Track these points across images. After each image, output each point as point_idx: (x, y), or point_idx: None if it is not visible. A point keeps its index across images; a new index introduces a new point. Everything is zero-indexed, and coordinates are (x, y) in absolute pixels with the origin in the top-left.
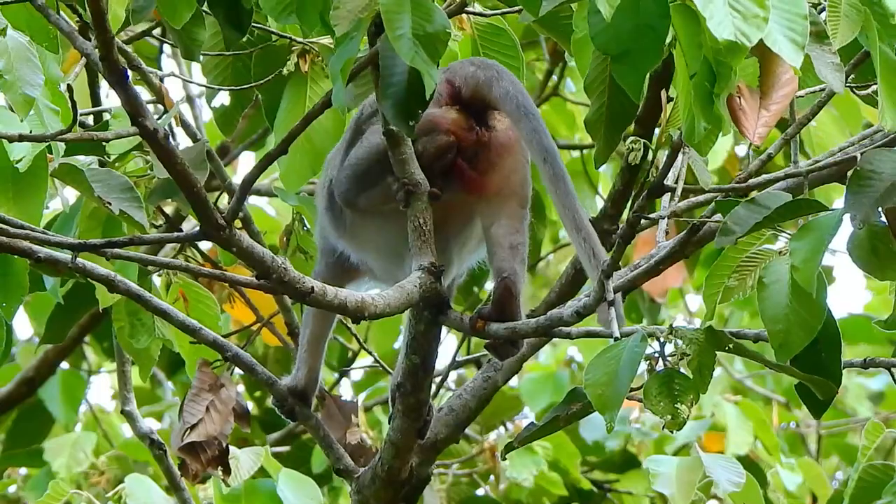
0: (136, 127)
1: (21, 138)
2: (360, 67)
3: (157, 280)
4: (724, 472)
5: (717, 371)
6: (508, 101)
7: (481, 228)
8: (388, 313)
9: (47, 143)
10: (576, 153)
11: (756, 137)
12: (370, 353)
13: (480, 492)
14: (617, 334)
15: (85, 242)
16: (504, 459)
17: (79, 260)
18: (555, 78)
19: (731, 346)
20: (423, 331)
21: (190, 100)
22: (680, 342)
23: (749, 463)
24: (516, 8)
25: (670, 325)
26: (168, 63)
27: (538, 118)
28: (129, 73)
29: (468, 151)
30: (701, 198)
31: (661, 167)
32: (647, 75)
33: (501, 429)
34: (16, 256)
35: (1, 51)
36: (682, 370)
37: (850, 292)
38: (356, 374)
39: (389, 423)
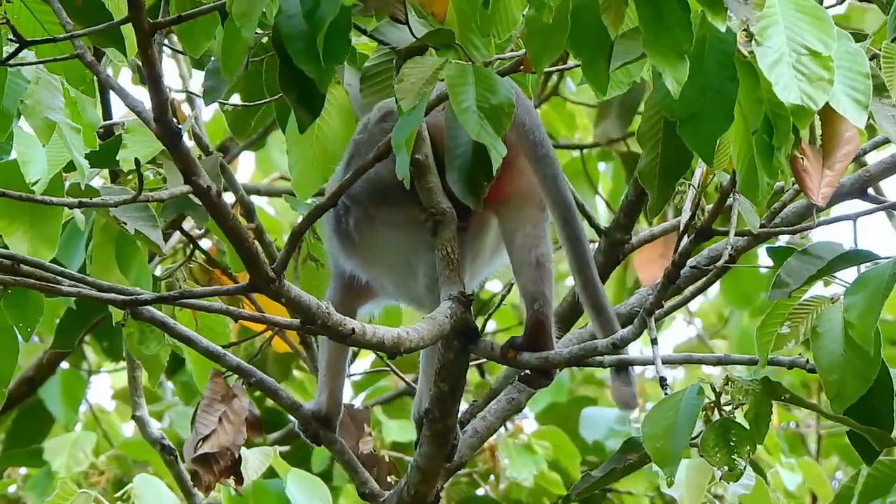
0: (189, 185)
1: (81, 205)
2: None
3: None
4: None
5: (717, 370)
6: (524, 134)
7: (498, 237)
8: (422, 346)
9: (65, 164)
10: (576, 153)
11: (820, 199)
12: (382, 359)
13: (480, 492)
14: (663, 373)
15: (136, 298)
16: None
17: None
18: (555, 78)
19: (787, 396)
20: (452, 359)
21: (190, 100)
22: (736, 392)
23: (749, 463)
24: (572, 64)
25: (726, 376)
26: (168, 63)
27: (556, 162)
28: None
29: None
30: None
31: (707, 210)
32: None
33: (501, 429)
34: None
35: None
36: (737, 419)
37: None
38: (356, 373)
39: (416, 448)
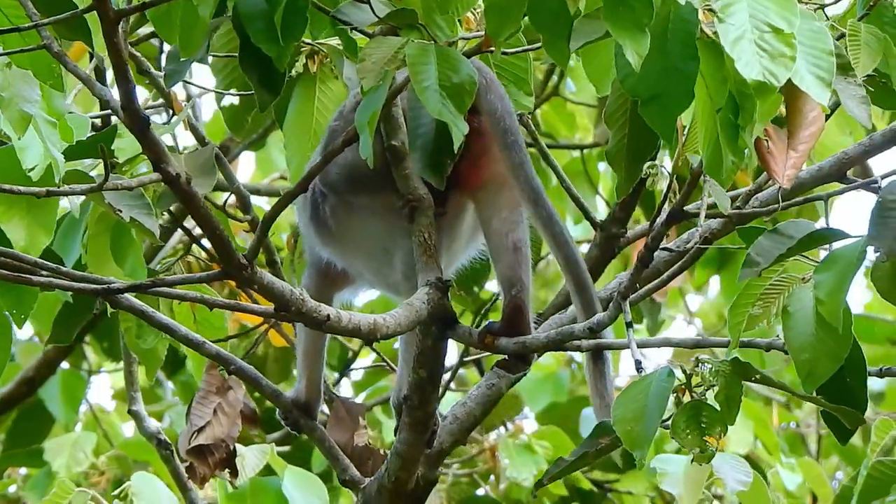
0: (159, 172)
1: (49, 193)
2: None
3: None
4: (731, 471)
5: None
6: (495, 121)
7: (474, 222)
8: (398, 332)
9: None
10: (576, 153)
11: (785, 180)
12: (376, 351)
13: (480, 492)
14: (638, 357)
15: (109, 287)
16: (535, 496)
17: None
18: (555, 78)
19: (757, 376)
20: (430, 345)
21: (189, 99)
22: (707, 374)
23: (749, 463)
24: (536, 45)
25: (696, 357)
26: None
27: (523, 149)
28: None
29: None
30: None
31: (679, 193)
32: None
33: (501, 429)
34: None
35: None
36: (709, 401)
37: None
38: (356, 373)
39: (396, 435)
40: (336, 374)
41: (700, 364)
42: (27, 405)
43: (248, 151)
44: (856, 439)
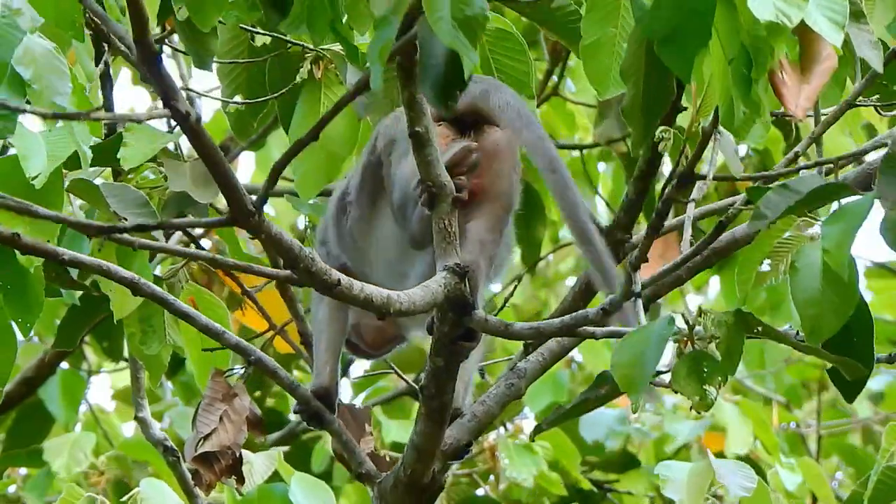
0: (168, 109)
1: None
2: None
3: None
4: (734, 476)
5: None
6: (509, 110)
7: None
8: (412, 311)
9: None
10: (576, 153)
11: (799, 110)
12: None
13: (480, 492)
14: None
15: (115, 226)
16: (533, 440)
17: (102, 262)
18: (555, 78)
19: (759, 328)
20: (447, 332)
21: (190, 100)
22: (709, 324)
23: (749, 463)
24: None
25: (699, 307)
26: (168, 64)
27: (540, 127)
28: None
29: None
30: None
31: (690, 155)
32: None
33: (501, 429)
34: (32, 272)
35: (28, 60)
36: (711, 353)
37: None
38: (356, 373)
39: (414, 427)
40: None
41: (703, 314)
42: (27, 405)
43: (249, 151)
44: (856, 439)
